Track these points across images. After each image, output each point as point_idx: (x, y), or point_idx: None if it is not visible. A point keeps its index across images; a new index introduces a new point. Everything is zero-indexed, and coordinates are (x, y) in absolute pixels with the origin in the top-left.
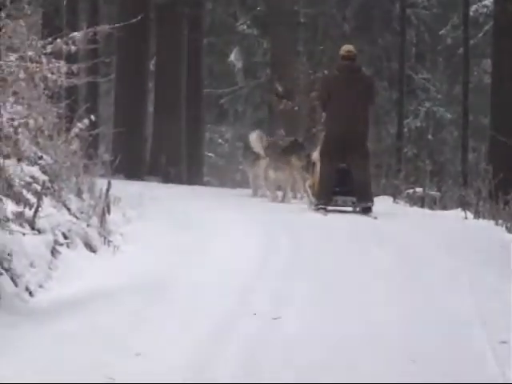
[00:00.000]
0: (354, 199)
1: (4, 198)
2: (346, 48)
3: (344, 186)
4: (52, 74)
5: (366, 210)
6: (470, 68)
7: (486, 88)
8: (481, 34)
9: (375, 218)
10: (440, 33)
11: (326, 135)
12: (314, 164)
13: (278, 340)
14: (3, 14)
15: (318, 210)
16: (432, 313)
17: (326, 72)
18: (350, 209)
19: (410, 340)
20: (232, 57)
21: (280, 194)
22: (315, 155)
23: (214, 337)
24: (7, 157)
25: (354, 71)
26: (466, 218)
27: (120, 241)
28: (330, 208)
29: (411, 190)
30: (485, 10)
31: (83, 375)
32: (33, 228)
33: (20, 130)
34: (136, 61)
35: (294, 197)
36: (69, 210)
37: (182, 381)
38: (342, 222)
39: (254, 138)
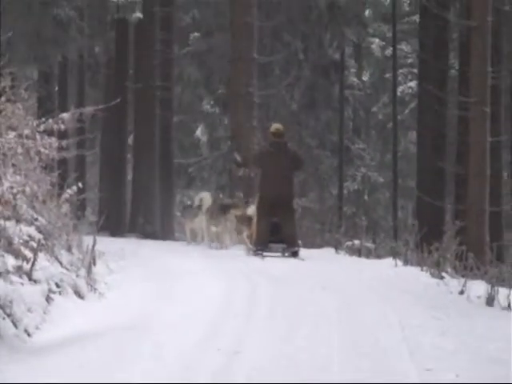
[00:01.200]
0: (284, 246)
1: (5, 254)
2: (276, 126)
3: (276, 235)
4: (45, 148)
5: (294, 254)
6: (398, 139)
7: (412, 156)
8: (407, 111)
9: (303, 259)
10: (372, 110)
11: (261, 196)
12: (249, 218)
13: (240, 370)
14: (3, 99)
15: (256, 254)
16: (366, 345)
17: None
18: (279, 254)
19: (349, 370)
20: (198, 132)
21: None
22: (251, 211)
23: (185, 369)
24: (8, 219)
25: (281, 146)
26: (396, 265)
27: (104, 289)
28: (265, 253)
29: (350, 243)
30: (410, 90)
31: None
32: (30, 279)
33: (18, 196)
34: (117, 136)
35: (229, 244)
36: (60, 263)
37: None
38: (283, 267)
39: (202, 198)
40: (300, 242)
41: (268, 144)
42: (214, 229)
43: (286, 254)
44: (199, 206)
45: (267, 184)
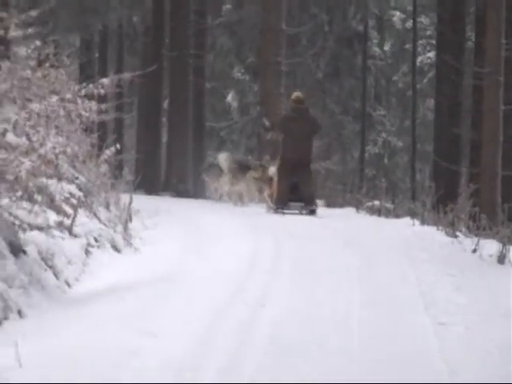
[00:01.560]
0: (303, 204)
1: (47, 210)
2: (296, 94)
3: (295, 195)
4: (86, 112)
5: (312, 212)
6: (417, 106)
7: (430, 122)
8: (425, 80)
9: (321, 217)
10: (393, 79)
11: (282, 158)
12: (271, 178)
13: (265, 321)
14: (47, 65)
15: (276, 212)
16: (385, 301)
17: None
18: (297, 211)
19: (367, 325)
20: (229, 98)
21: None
22: (272, 171)
23: (215, 319)
24: (50, 177)
25: (302, 112)
26: (413, 224)
27: (140, 244)
28: (285, 211)
29: (370, 203)
30: (429, 60)
31: (108, 350)
32: (70, 233)
33: (60, 156)
34: (153, 101)
35: (250, 201)
36: (99, 219)
37: (192, 352)
38: (305, 225)
39: (222, 158)
40: (318, 201)
41: (290, 110)
42: (235, 188)
43: (304, 212)
44: (219, 167)
45: (289, 147)
